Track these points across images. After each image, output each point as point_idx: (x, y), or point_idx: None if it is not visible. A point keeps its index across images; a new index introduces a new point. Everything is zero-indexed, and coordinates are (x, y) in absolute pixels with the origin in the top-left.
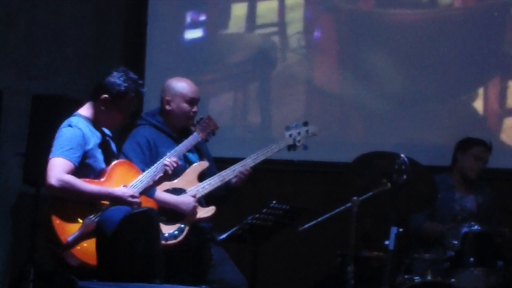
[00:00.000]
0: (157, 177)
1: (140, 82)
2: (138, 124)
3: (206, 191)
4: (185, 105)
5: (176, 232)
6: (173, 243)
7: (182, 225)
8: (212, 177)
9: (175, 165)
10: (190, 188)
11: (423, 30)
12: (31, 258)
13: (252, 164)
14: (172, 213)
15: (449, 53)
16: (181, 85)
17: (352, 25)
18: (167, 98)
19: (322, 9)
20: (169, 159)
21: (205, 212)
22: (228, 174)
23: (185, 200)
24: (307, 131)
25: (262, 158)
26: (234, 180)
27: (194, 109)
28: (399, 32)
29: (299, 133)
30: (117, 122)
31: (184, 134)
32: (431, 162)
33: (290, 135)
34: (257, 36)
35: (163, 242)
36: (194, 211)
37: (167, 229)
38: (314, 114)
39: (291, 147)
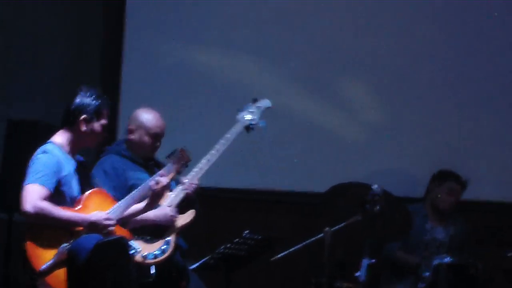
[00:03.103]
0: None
1: (99, 92)
2: (102, 155)
3: (179, 198)
4: (146, 138)
5: (164, 247)
6: (164, 258)
7: (168, 238)
8: (180, 184)
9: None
10: (163, 202)
11: (399, 59)
12: (4, 285)
13: (217, 156)
14: (154, 230)
15: (425, 83)
16: (147, 118)
17: (328, 53)
18: (130, 127)
19: (298, 38)
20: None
21: (185, 219)
22: (193, 176)
23: (162, 212)
24: (258, 107)
25: (223, 148)
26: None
27: (156, 144)
28: (375, 61)
29: (251, 112)
30: (99, 138)
31: (153, 163)
32: (406, 192)
33: (243, 116)
34: (232, 64)
35: (154, 260)
36: (173, 220)
37: (155, 247)
38: (288, 143)
39: (248, 128)
